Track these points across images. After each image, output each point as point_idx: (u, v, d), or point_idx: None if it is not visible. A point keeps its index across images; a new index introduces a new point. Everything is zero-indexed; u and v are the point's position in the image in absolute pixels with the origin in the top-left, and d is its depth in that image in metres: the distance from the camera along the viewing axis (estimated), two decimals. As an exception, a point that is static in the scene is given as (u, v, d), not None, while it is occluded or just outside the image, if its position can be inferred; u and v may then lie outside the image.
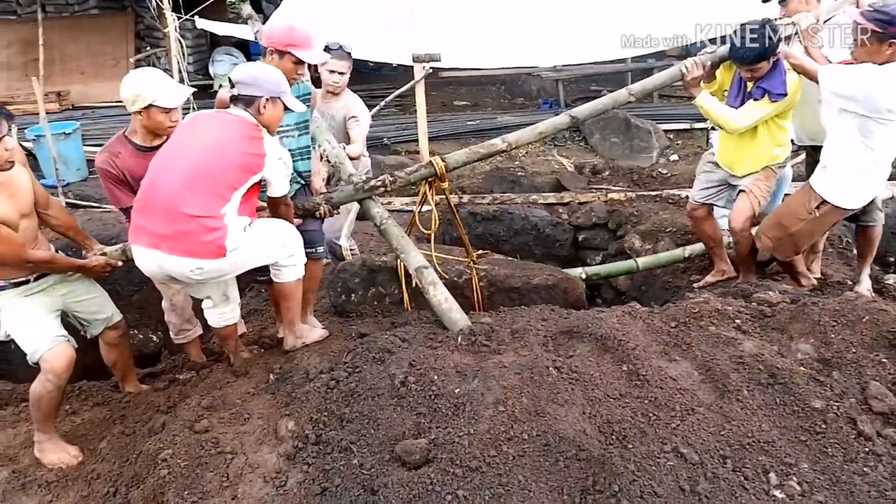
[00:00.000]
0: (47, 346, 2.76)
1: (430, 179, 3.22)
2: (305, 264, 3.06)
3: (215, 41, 10.49)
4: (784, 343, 2.65)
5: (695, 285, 4.46)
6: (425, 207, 3.42)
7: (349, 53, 3.94)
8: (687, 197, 6.09)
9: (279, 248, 2.89)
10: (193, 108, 7.53)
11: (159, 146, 2.95)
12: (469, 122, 8.32)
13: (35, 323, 2.81)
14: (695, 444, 2.15)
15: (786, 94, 3.45)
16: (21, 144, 6.53)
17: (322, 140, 3.57)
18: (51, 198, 3.11)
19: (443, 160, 3.17)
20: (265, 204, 3.03)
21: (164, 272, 2.72)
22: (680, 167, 7.34)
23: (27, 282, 2.86)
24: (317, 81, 3.86)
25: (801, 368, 2.48)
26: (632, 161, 7.47)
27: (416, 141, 6.89)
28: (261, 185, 2.80)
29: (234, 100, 2.79)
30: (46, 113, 6.45)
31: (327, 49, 3.87)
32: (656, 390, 2.35)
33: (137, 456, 2.69)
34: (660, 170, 7.28)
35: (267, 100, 2.75)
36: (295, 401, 2.59)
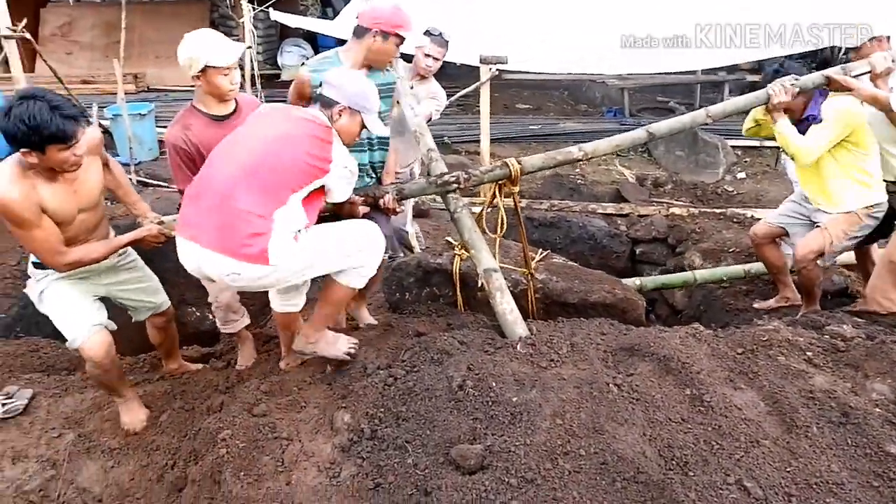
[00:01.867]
0: (84, 336, 2.76)
1: (500, 182, 3.20)
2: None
3: (284, 33, 10.73)
4: (858, 381, 2.54)
5: (755, 305, 4.35)
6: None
7: (447, 41, 3.96)
8: (752, 217, 5.95)
9: (342, 257, 2.65)
10: (261, 97, 7.75)
11: (229, 116, 2.92)
12: (531, 126, 8.28)
13: (72, 310, 2.80)
14: (759, 478, 2.08)
15: (818, 118, 3.51)
16: (99, 123, 6.86)
17: (405, 104, 3.57)
18: (111, 158, 3.05)
19: (519, 163, 3.13)
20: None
21: (202, 272, 2.53)
22: (747, 185, 7.14)
23: None
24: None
25: (877, 409, 2.37)
26: (696, 176, 7.31)
27: (477, 142, 6.88)
28: (323, 190, 2.63)
29: (317, 98, 2.70)
30: (124, 94, 6.69)
31: (427, 33, 3.91)
32: (720, 418, 2.28)
33: (196, 432, 2.77)
34: (725, 187, 7.10)
35: (343, 108, 2.62)
36: (352, 394, 2.62)
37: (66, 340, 2.82)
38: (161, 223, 2.96)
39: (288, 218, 2.46)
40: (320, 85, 2.74)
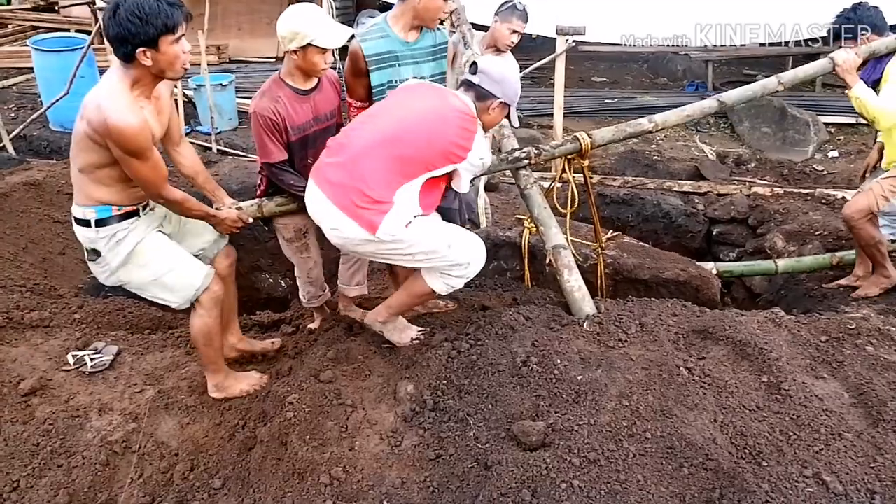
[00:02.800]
0: (205, 281, 2.68)
1: (570, 156, 3.12)
2: None
3: (360, 4, 10.75)
4: (957, 376, 2.35)
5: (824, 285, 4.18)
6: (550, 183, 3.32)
7: (527, 15, 3.88)
8: (843, 198, 5.58)
9: (441, 259, 2.62)
10: (339, 70, 7.86)
11: (315, 88, 2.91)
12: (607, 100, 8.02)
13: (181, 260, 2.69)
14: (839, 472, 1.97)
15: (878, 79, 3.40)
16: (184, 93, 7.12)
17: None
18: (184, 137, 2.93)
19: (589, 136, 3.05)
20: None
21: (317, 217, 2.63)
22: (839, 165, 6.69)
23: (136, 213, 2.64)
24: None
25: (977, 408, 2.19)
26: (783, 154, 6.89)
27: (551, 115, 6.72)
28: (447, 178, 2.64)
29: (469, 86, 2.63)
30: (207, 65, 6.90)
31: (514, 8, 3.81)
32: (799, 408, 2.16)
33: (266, 395, 2.86)
34: (815, 166, 6.67)
35: (500, 103, 2.63)
36: (415, 365, 2.64)
37: (178, 297, 2.69)
38: (239, 209, 2.94)
39: (409, 196, 2.49)
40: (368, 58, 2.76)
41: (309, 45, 2.67)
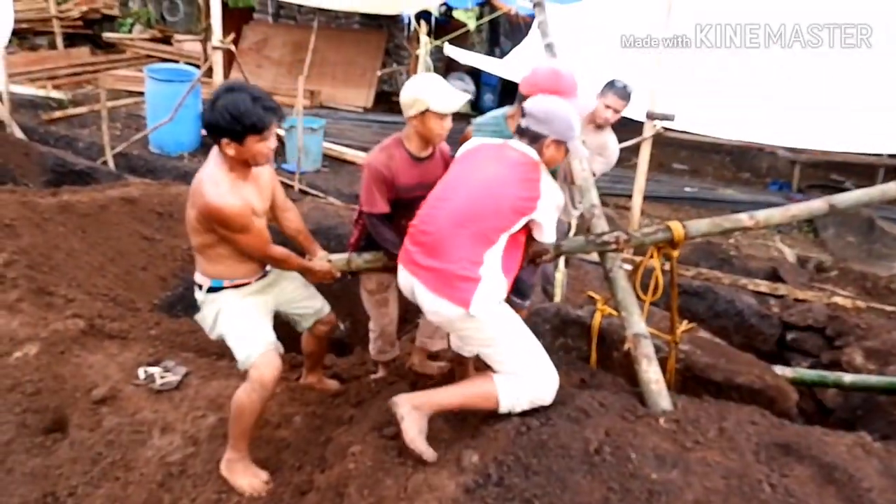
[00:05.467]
0: (259, 352, 2.73)
1: (659, 245, 3.08)
2: None
3: (450, 66, 11.14)
4: None
5: None
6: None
7: (630, 94, 3.91)
8: (933, 322, 5.30)
9: (519, 359, 2.60)
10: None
11: (428, 157, 3.02)
12: (687, 188, 7.96)
13: (251, 327, 2.81)
14: None
15: None
16: (276, 133, 7.47)
17: (574, 158, 3.41)
18: (288, 201, 3.15)
19: (683, 227, 3.00)
20: None
21: (414, 298, 2.72)
22: (927, 286, 6.38)
23: (246, 284, 2.88)
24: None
25: None
26: (867, 266, 6.65)
27: (628, 196, 6.72)
28: (526, 232, 2.66)
29: (521, 132, 2.69)
30: (301, 108, 7.24)
31: (611, 84, 3.88)
32: (893, 549, 2.01)
33: (326, 441, 2.86)
34: (901, 283, 6.39)
35: (553, 141, 2.64)
36: (482, 435, 2.58)
37: (237, 359, 2.80)
38: (330, 262, 3.09)
39: (493, 262, 2.54)
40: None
41: (427, 110, 2.83)
